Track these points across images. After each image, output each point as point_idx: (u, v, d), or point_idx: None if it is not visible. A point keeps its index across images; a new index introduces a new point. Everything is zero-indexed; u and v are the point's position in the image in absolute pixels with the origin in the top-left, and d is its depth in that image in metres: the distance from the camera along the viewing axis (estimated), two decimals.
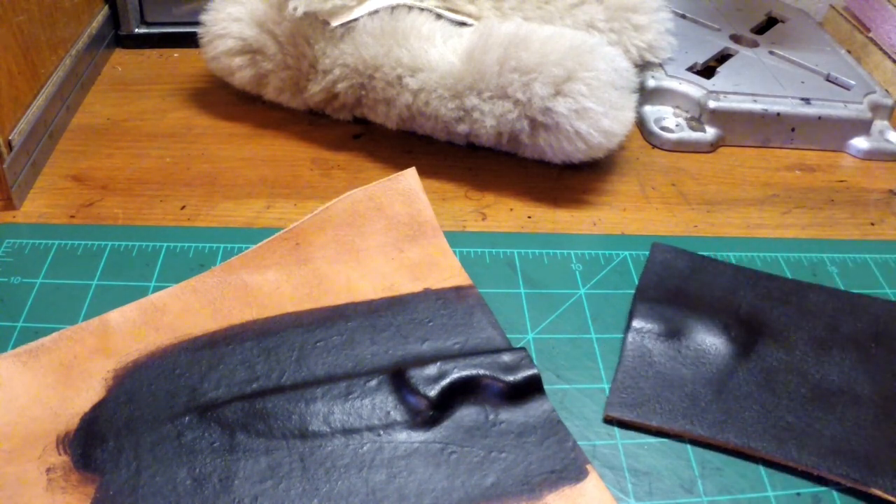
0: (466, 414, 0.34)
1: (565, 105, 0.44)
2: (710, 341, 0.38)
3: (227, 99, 0.54)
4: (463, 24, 0.49)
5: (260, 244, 0.40)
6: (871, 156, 0.54)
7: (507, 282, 0.42)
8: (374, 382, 0.35)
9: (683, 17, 0.63)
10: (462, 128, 0.47)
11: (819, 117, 0.53)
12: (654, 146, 0.53)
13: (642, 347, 0.38)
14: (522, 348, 0.36)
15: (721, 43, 0.59)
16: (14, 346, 0.36)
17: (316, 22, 0.47)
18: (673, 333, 0.38)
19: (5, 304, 0.38)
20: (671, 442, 0.35)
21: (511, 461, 0.32)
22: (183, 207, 0.45)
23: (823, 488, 0.33)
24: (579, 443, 0.33)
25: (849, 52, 0.61)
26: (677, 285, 0.41)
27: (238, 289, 0.39)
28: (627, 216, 0.47)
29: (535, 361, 0.36)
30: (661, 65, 0.56)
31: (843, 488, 0.33)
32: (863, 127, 0.54)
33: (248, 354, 0.36)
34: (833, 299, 0.41)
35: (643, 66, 0.55)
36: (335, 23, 0.47)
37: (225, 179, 0.47)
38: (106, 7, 0.58)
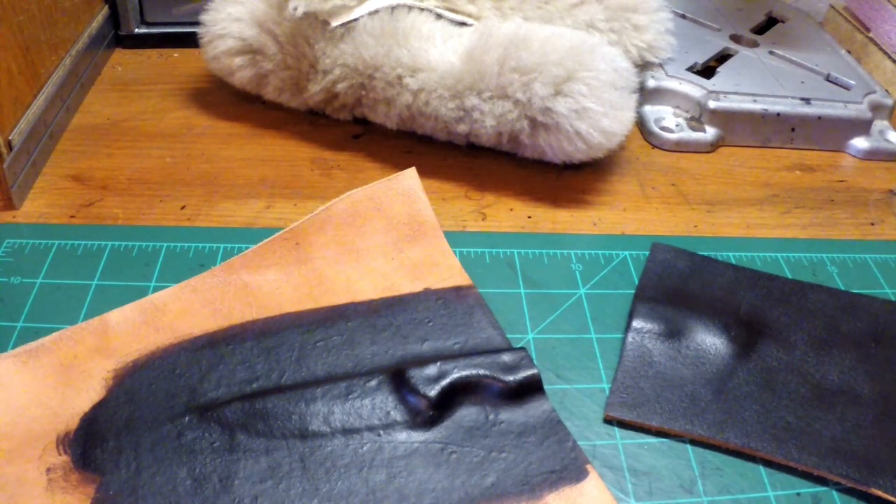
0: (466, 414, 0.34)
1: (565, 105, 0.44)
2: (710, 341, 0.38)
3: (227, 99, 0.54)
4: (463, 24, 0.49)
5: (260, 244, 0.40)
6: (871, 156, 0.54)
7: (507, 282, 0.42)
8: (374, 382, 0.35)
9: (683, 17, 0.63)
10: (462, 128, 0.47)
11: (819, 117, 0.53)
12: (654, 146, 0.53)
13: (642, 347, 0.38)
14: (522, 348, 0.36)
15: (721, 43, 0.59)
16: (14, 346, 0.36)
17: (316, 22, 0.47)
18: (673, 333, 0.38)
19: (5, 304, 0.38)
20: (671, 442, 0.35)
21: (511, 461, 0.32)
22: (183, 207, 0.45)
23: (823, 488, 0.33)
24: (579, 443, 0.33)
25: (849, 52, 0.61)
26: (677, 285, 0.41)
27: (238, 289, 0.39)
28: (627, 216, 0.47)
29: (535, 361, 0.36)
30: (661, 65, 0.56)
31: (843, 488, 0.33)
32: (863, 127, 0.54)
33: (248, 354, 0.36)
34: (833, 299, 0.41)
35: (643, 66, 0.55)
36: (335, 23, 0.47)
37: (225, 179, 0.47)
38: (106, 7, 0.58)
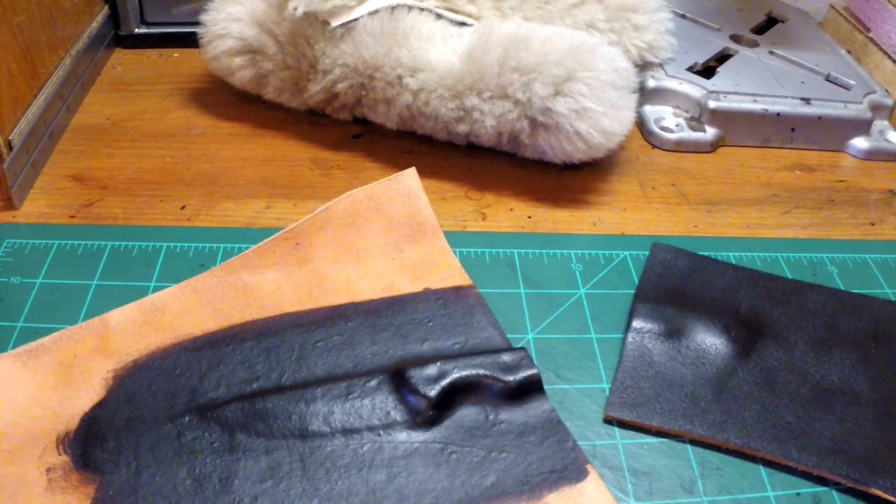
0: (466, 414, 0.34)
1: (565, 105, 0.44)
2: (710, 341, 0.38)
3: (227, 99, 0.54)
4: (463, 24, 0.49)
5: (260, 244, 0.40)
6: (871, 156, 0.54)
7: (507, 282, 0.41)
8: (374, 382, 0.35)
9: (683, 17, 0.63)
10: (462, 128, 0.47)
11: (819, 117, 0.53)
12: (654, 146, 0.53)
13: (642, 347, 0.38)
14: (522, 348, 0.36)
15: (721, 43, 0.59)
16: (14, 346, 0.36)
17: (316, 22, 0.47)
18: (673, 333, 0.38)
19: (5, 304, 0.38)
20: (671, 442, 0.35)
21: (511, 461, 0.32)
22: (183, 207, 0.45)
23: (823, 488, 0.33)
24: (579, 443, 0.33)
25: (849, 52, 0.61)
26: (677, 285, 0.41)
27: (238, 289, 0.39)
28: (627, 216, 0.47)
29: (535, 361, 0.36)
30: (661, 65, 0.56)
31: (843, 488, 0.33)
32: (863, 127, 0.54)
33: (248, 354, 0.36)
34: (833, 299, 0.41)
35: (643, 66, 0.55)
36: (335, 23, 0.47)
37: (225, 179, 0.47)
38: (106, 7, 0.58)
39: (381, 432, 0.33)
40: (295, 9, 0.46)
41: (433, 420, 0.34)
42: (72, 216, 0.44)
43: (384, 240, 0.42)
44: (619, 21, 0.52)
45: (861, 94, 0.55)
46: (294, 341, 0.37)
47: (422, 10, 0.48)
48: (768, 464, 0.34)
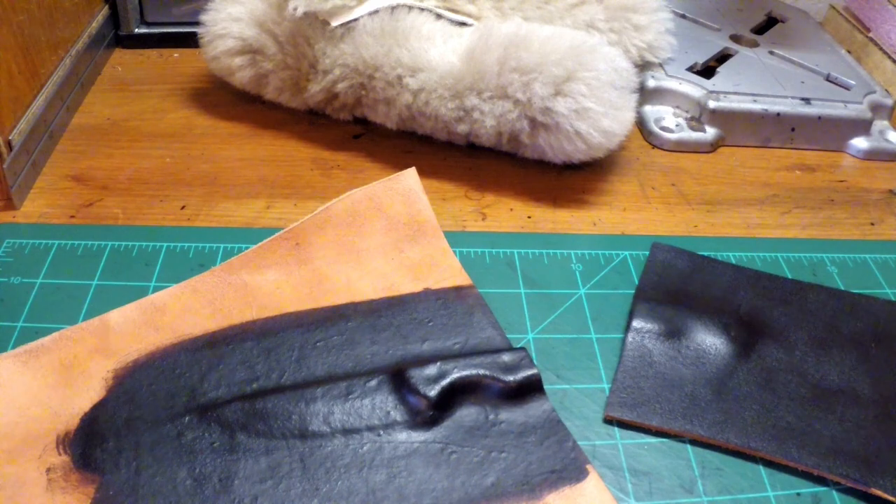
0: (466, 414, 0.34)
1: (565, 105, 0.44)
2: (710, 341, 0.38)
3: (227, 99, 0.54)
4: (463, 24, 0.49)
5: (260, 244, 0.40)
6: (871, 156, 0.54)
7: (507, 282, 0.42)
8: (374, 382, 0.35)
9: (683, 17, 0.63)
10: (462, 128, 0.47)
11: (819, 117, 0.53)
12: (654, 146, 0.53)
13: (642, 347, 0.38)
14: (522, 348, 0.36)
15: (721, 43, 0.59)
16: (14, 346, 0.36)
17: (316, 22, 0.47)
18: (673, 333, 0.38)
19: (5, 304, 0.38)
20: (671, 442, 0.35)
21: (511, 461, 0.32)
22: (183, 207, 0.45)
23: (823, 488, 0.33)
24: (579, 443, 0.33)
25: (849, 52, 0.61)
26: (677, 285, 0.41)
27: (238, 289, 0.39)
28: (627, 216, 0.47)
29: (535, 361, 0.36)
30: (661, 65, 0.56)
31: (843, 488, 0.33)
32: (863, 127, 0.54)
33: (248, 354, 0.36)
34: (833, 299, 0.41)
35: (643, 66, 0.55)
36: (335, 23, 0.47)
37: (225, 179, 0.47)
38: (106, 7, 0.58)
39: (381, 432, 0.33)
40: (295, 9, 0.46)
41: (433, 420, 0.34)
42: (72, 216, 0.44)
43: (384, 240, 0.42)
44: (619, 21, 0.52)
45: (861, 94, 0.55)
46: (294, 341, 0.37)
47: (422, 10, 0.48)
48: (768, 464, 0.34)
